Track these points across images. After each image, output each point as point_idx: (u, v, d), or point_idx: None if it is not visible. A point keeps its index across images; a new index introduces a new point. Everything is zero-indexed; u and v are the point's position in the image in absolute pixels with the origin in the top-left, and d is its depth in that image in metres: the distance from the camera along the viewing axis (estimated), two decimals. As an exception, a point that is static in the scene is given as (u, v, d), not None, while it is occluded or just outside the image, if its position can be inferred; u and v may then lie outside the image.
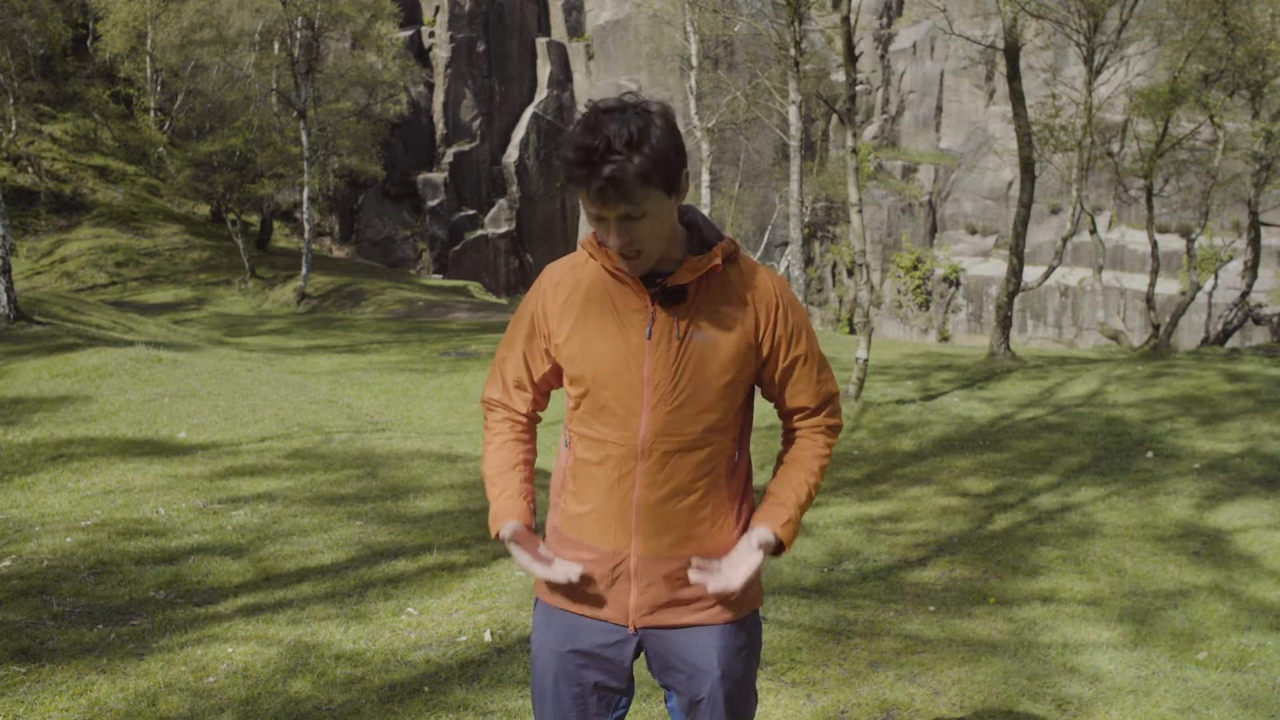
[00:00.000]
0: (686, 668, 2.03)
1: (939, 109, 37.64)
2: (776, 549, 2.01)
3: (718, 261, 1.95)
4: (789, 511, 2.02)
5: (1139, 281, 28.38)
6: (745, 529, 2.08)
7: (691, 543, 1.99)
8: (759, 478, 7.78)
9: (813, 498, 2.08)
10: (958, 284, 34.31)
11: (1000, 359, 12.42)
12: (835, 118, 33.89)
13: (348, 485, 6.51)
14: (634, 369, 1.94)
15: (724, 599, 2.01)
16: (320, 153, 24.43)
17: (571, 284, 2.02)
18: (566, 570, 1.99)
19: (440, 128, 33.92)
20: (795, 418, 2.12)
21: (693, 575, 1.96)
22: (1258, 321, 19.51)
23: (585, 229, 34.85)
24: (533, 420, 2.17)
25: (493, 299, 27.43)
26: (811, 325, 2.11)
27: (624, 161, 1.76)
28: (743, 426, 2.06)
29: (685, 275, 1.93)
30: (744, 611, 2.06)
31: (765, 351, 2.02)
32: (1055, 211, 33.26)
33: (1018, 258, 12.69)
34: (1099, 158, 18.93)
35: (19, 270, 23.02)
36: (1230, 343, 18.83)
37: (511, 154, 34.91)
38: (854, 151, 10.22)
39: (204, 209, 28.73)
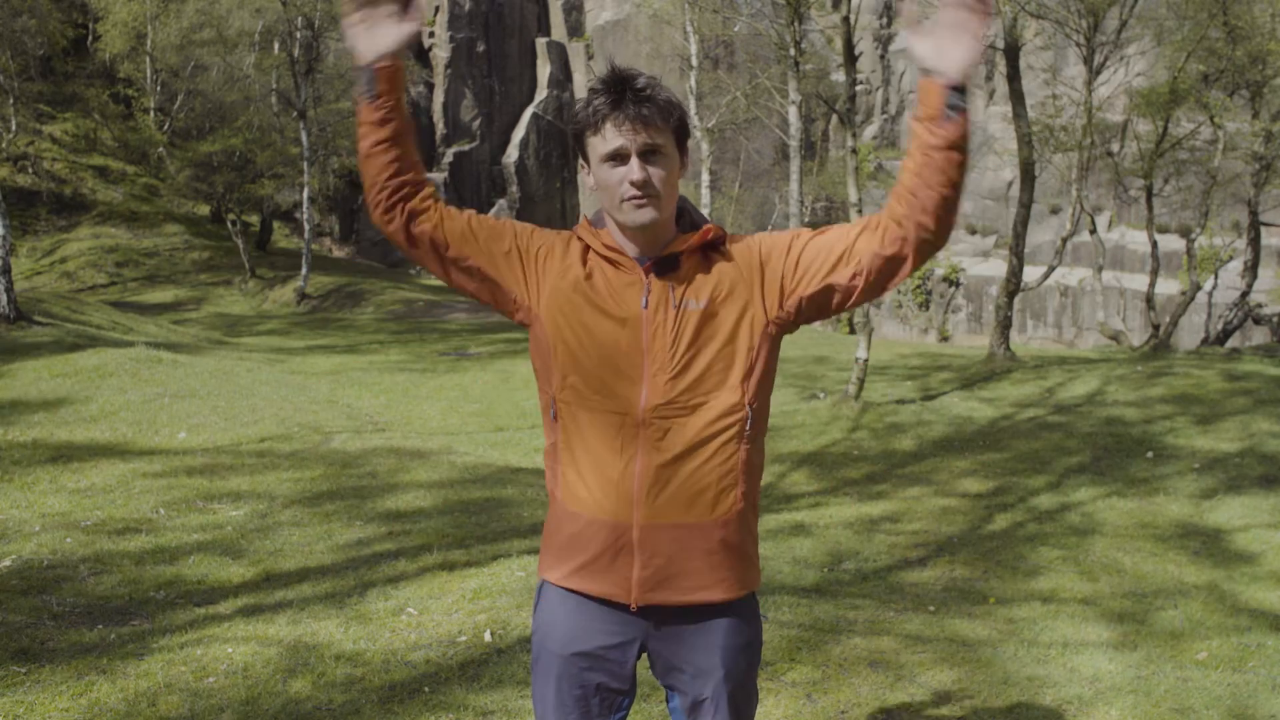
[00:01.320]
0: (690, 668, 2.02)
1: (939, 109, 37.59)
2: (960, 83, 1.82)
3: (709, 228, 1.97)
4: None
5: (1139, 281, 28.37)
6: (751, 502, 2.04)
7: (694, 512, 1.97)
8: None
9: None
10: (958, 284, 34.31)
11: (1000, 359, 12.41)
12: (835, 118, 33.90)
13: (348, 485, 6.51)
14: (632, 338, 1.94)
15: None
16: (320, 153, 24.44)
17: (573, 254, 2.02)
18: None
19: (440, 128, 33.92)
20: (873, 227, 1.94)
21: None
22: (1258, 321, 19.50)
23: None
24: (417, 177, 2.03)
25: (493, 299, 27.41)
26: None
27: (654, 89, 1.88)
28: (750, 395, 1.99)
29: (677, 245, 1.96)
30: (745, 589, 2.04)
31: (784, 281, 1.96)
32: (1055, 211, 33.26)
33: (1018, 258, 12.69)
34: (1099, 158, 18.93)
35: (19, 270, 23.03)
36: (1230, 343, 18.82)
37: (511, 154, 34.92)
38: (854, 151, 10.22)
39: (204, 209, 28.74)
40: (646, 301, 1.95)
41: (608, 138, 1.88)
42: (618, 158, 1.89)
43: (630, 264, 1.96)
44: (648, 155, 1.89)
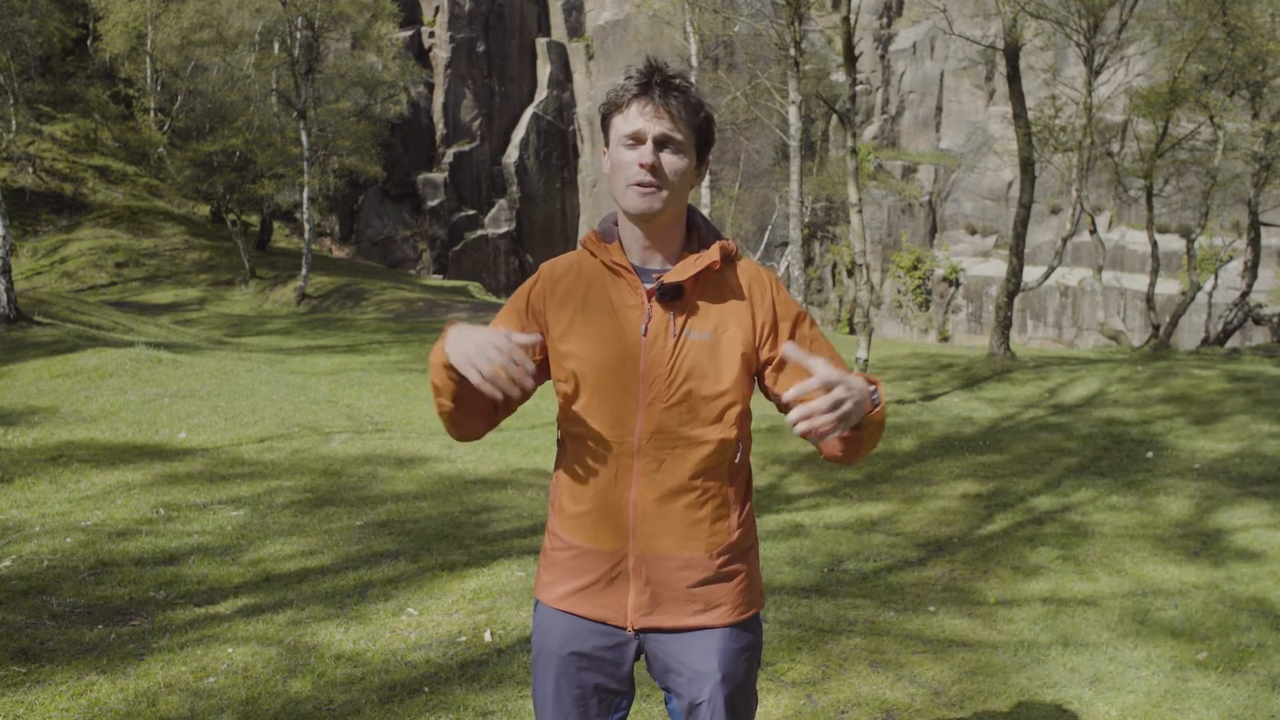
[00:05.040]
0: (687, 671, 2.02)
1: (939, 109, 37.62)
2: (872, 402, 1.82)
3: (716, 258, 1.94)
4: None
5: (1139, 281, 28.37)
6: (747, 525, 2.06)
7: (690, 542, 1.97)
8: (759, 479, 7.78)
9: (884, 417, 1.90)
10: (958, 284, 34.29)
11: (1000, 359, 12.41)
12: (835, 118, 33.89)
13: (348, 485, 6.51)
14: (630, 366, 1.93)
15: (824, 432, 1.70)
16: (320, 153, 24.42)
17: (571, 279, 2.01)
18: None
19: (440, 128, 33.91)
20: None
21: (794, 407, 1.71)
22: (1258, 321, 19.50)
23: (585, 229, 34.84)
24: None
25: (493, 299, 27.42)
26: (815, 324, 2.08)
27: (686, 84, 1.90)
28: (742, 426, 2.04)
29: (683, 271, 1.93)
30: (745, 613, 2.05)
31: (766, 354, 1.99)
32: (1055, 211, 33.25)
33: (1018, 258, 12.69)
34: (1099, 158, 18.93)
35: (19, 270, 23.03)
36: (1230, 343, 18.83)
37: (511, 154, 34.90)
38: (854, 152, 10.22)
39: (204, 209, 28.73)
40: (646, 329, 1.93)
41: (629, 118, 1.89)
42: (634, 140, 1.89)
43: (635, 282, 1.94)
44: (664, 144, 1.89)
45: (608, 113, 1.94)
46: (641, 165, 1.87)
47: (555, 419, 2.12)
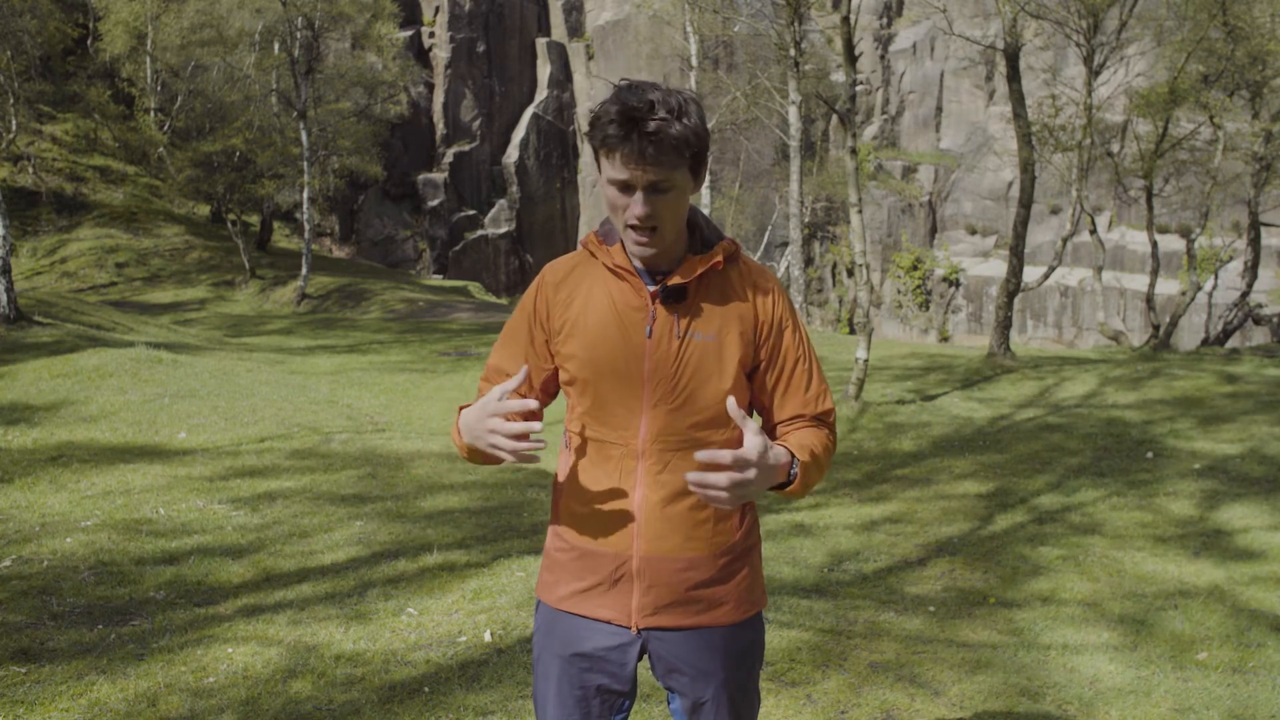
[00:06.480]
0: (690, 670, 2.02)
1: (939, 109, 37.63)
2: (787, 477, 1.88)
3: (719, 259, 1.95)
4: (804, 454, 1.92)
5: (1139, 281, 28.38)
6: (749, 524, 2.07)
7: (694, 543, 1.98)
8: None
9: (821, 467, 1.97)
10: (958, 284, 34.30)
11: (1000, 359, 12.41)
12: (835, 118, 33.88)
13: (348, 485, 6.51)
14: (634, 368, 1.93)
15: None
16: (320, 153, 24.42)
17: (573, 282, 2.02)
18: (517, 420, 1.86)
19: (440, 128, 33.91)
20: (790, 424, 2.05)
21: (693, 476, 1.77)
22: (1258, 321, 19.52)
23: (585, 229, 34.85)
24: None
25: (493, 299, 27.43)
26: (807, 333, 2.10)
27: (668, 124, 1.79)
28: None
29: (686, 273, 1.93)
30: (747, 612, 2.05)
31: (764, 354, 2.01)
32: (1055, 211, 33.26)
33: (1018, 258, 12.69)
34: (1099, 158, 18.93)
35: (20, 270, 23.03)
36: (1230, 343, 18.83)
37: (511, 154, 34.90)
38: (854, 152, 10.22)
39: (204, 209, 28.73)
40: (651, 330, 1.93)
41: (616, 166, 1.84)
42: (626, 188, 1.86)
43: (639, 285, 1.94)
44: (655, 189, 1.85)
45: (592, 143, 1.88)
46: (636, 216, 1.85)
47: (561, 418, 2.13)
